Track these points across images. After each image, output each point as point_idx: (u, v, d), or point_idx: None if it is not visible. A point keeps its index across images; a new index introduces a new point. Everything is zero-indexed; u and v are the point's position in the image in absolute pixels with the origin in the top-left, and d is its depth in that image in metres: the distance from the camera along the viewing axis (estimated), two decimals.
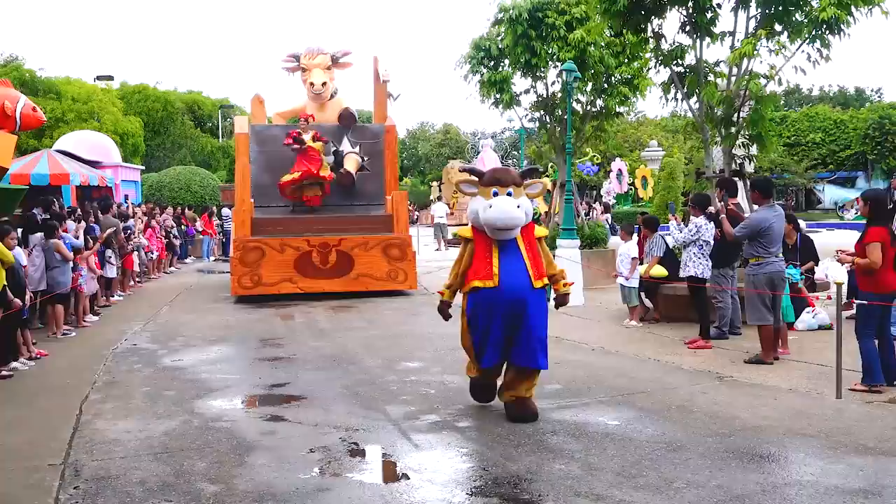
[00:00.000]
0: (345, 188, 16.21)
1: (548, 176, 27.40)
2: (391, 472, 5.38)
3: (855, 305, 7.45)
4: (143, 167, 32.32)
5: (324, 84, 17.18)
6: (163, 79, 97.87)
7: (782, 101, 57.23)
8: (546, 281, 6.55)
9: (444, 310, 6.85)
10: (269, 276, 14.63)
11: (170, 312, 13.57)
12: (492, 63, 19.41)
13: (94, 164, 23.60)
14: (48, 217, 12.37)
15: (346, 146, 16.47)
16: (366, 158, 16.51)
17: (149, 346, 10.49)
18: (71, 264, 11.24)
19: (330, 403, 7.26)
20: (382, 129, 17.31)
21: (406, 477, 5.26)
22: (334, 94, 17.76)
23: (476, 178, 6.65)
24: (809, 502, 4.67)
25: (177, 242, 22.62)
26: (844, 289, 7.66)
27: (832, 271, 11.27)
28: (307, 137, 15.75)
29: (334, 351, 9.80)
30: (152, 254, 19.45)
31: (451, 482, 5.15)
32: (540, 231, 6.76)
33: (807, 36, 12.16)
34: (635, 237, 12.13)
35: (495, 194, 6.43)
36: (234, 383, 8.22)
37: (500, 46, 19.01)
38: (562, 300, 6.82)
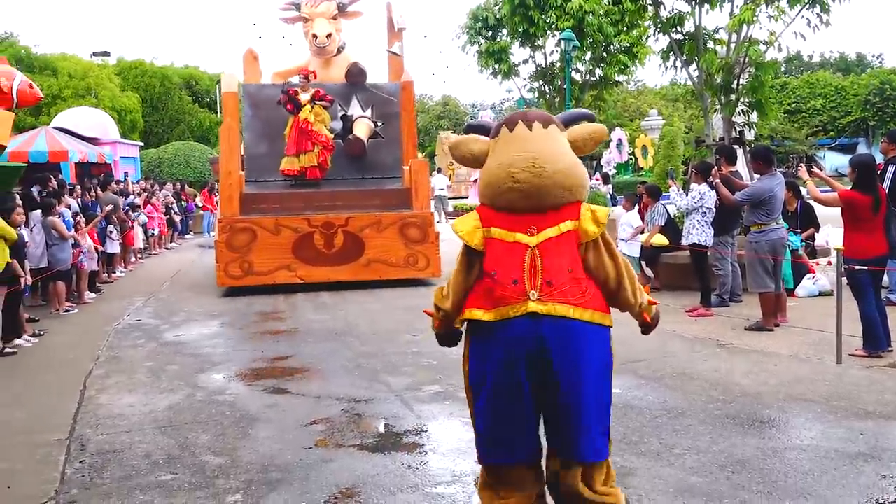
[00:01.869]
0: (355, 157, 13.74)
1: None
2: (394, 443, 5.42)
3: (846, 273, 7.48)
4: (142, 143, 32.26)
5: (328, 36, 14.44)
6: (160, 54, 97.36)
7: (782, 68, 57.02)
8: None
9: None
10: (263, 264, 12.36)
11: (171, 288, 13.60)
12: (490, 33, 19.38)
13: (92, 141, 23.58)
14: (45, 194, 12.39)
15: (355, 109, 14.12)
16: (379, 123, 14.15)
17: (151, 321, 10.52)
18: (71, 241, 11.25)
19: (332, 376, 7.29)
20: (398, 88, 14.36)
21: (410, 448, 5.30)
22: (341, 48, 15.05)
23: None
24: (809, 466, 4.71)
25: (177, 218, 22.63)
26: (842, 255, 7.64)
27: (832, 238, 11.28)
28: (305, 97, 13.18)
29: (336, 325, 9.83)
30: (154, 230, 19.48)
31: (454, 451, 5.18)
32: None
33: (806, 1, 12.10)
34: (636, 207, 12.13)
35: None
36: (236, 357, 8.26)
37: (497, 16, 18.94)
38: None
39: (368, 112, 14.09)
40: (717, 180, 9.29)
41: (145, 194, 19.92)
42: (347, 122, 13.95)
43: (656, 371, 7.04)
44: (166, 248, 20.90)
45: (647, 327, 3.80)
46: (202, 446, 5.41)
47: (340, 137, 13.76)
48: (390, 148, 14.15)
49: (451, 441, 5.41)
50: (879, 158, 9.97)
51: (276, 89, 13.85)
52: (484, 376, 3.49)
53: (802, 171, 8.43)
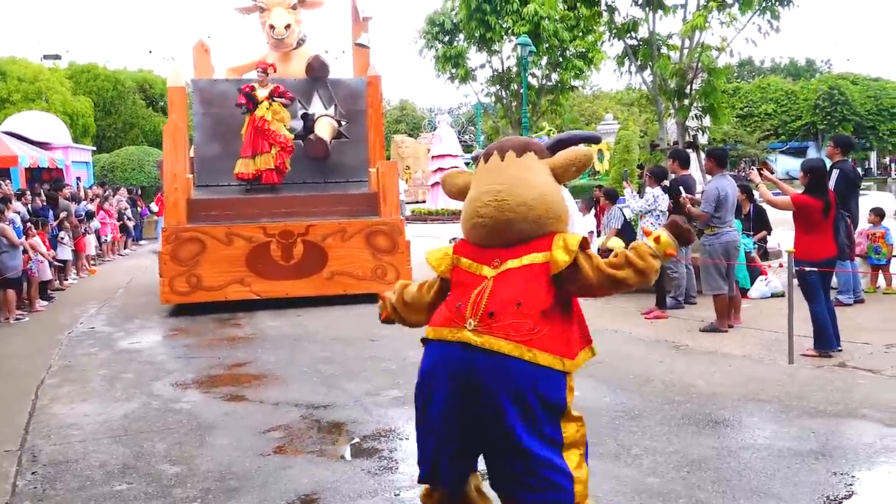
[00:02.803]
0: (316, 159, 12.57)
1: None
2: (354, 449, 5.40)
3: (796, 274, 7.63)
4: (94, 148, 31.79)
5: (287, 27, 13.15)
6: (112, 58, 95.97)
7: (735, 73, 57.98)
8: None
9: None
10: (213, 278, 11.09)
11: (125, 295, 13.41)
12: (447, 38, 19.42)
13: (43, 146, 23.19)
14: None
15: (317, 106, 12.94)
16: (343, 122, 13.00)
17: (105, 328, 10.36)
18: (20, 248, 11.05)
19: (290, 382, 7.25)
20: (364, 84, 13.10)
21: (369, 453, 5.28)
22: (302, 41, 13.83)
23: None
24: (763, 465, 4.79)
25: (130, 224, 22.32)
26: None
27: (784, 240, 11.49)
28: (263, 93, 11.96)
29: (294, 330, 9.78)
30: (106, 237, 19.20)
31: (413, 456, 5.17)
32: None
33: (757, 7, 12.34)
34: (592, 211, 12.24)
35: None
36: (192, 364, 8.16)
37: (454, 21, 18.98)
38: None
39: (331, 110, 13.00)
40: (689, 206, 9.18)
41: (98, 200, 19.62)
42: (308, 121, 12.80)
43: (614, 373, 7.11)
44: (120, 255, 20.61)
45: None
46: (158, 455, 5.34)
47: (301, 138, 12.62)
48: (356, 149, 13.02)
49: (410, 446, 5.40)
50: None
51: (231, 85, 12.71)
52: (419, 392, 3.43)
53: (753, 175, 8.58)
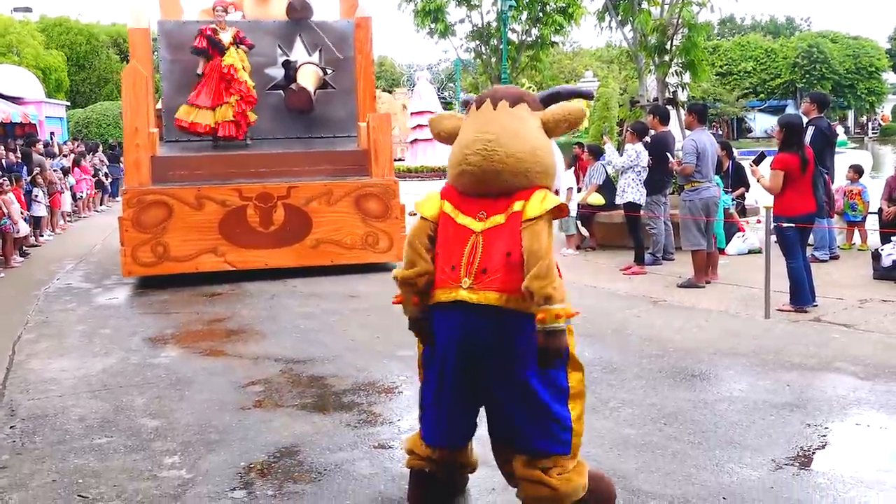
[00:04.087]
0: (299, 112, 11.32)
1: None
2: (334, 403, 5.42)
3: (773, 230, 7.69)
4: (69, 103, 31.30)
5: None
6: (85, 10, 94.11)
7: (715, 31, 57.82)
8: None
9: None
10: (181, 247, 9.90)
11: (102, 251, 13.30)
12: None
13: (15, 101, 22.82)
14: None
15: (299, 53, 11.52)
16: (329, 70, 11.63)
17: (82, 285, 10.29)
18: None
19: (270, 337, 7.25)
20: (351, 27, 11.61)
21: (349, 407, 5.30)
22: None
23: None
24: (738, 416, 4.86)
25: (107, 181, 22.08)
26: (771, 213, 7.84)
27: (762, 197, 11.56)
28: (227, 37, 10.73)
29: (274, 288, 9.74)
30: (83, 193, 19.00)
31: (393, 409, 5.22)
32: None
33: None
34: (573, 167, 12.22)
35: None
36: (171, 320, 8.14)
37: None
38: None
39: (315, 57, 11.57)
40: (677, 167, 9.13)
41: (72, 156, 19.37)
42: (290, 69, 11.41)
43: (593, 328, 7.15)
44: (96, 211, 20.41)
45: (540, 342, 3.13)
46: (138, 409, 5.34)
47: (282, 88, 11.42)
48: (343, 100, 11.65)
49: (390, 399, 5.44)
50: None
51: (200, 27, 11.03)
52: (429, 359, 3.46)
53: (755, 170, 8.35)
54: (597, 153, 11.65)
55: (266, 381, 5.88)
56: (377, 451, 4.49)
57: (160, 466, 4.37)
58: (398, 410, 5.18)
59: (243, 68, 10.80)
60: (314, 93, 11.30)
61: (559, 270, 3.19)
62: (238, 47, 10.79)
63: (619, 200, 10.27)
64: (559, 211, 3.23)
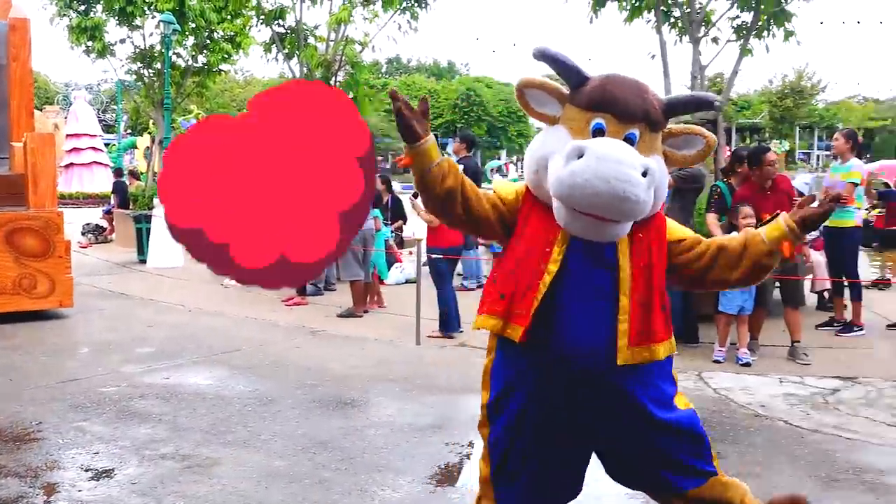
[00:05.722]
0: None
1: (149, 133, 26.19)
2: None
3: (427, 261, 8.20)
4: None
5: None
6: None
7: (384, 69, 60.47)
8: (669, 345, 2.84)
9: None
10: None
11: None
12: (83, 7, 18.02)
13: None
14: None
15: None
16: None
17: None
18: None
19: None
20: (4, 28, 9.80)
21: None
22: None
23: (559, 89, 2.90)
24: (384, 441, 5.05)
25: None
26: (424, 245, 8.31)
27: (418, 229, 12.24)
28: None
29: None
30: None
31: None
32: (679, 230, 2.95)
33: (398, 7, 12.98)
34: None
35: (597, 131, 2.76)
36: None
37: None
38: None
39: None
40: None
41: None
42: None
43: (251, 360, 7.09)
44: None
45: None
46: None
47: None
48: None
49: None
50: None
51: None
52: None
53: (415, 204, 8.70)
54: None
55: None
56: None
57: None
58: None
59: None
60: None
61: None
62: None
63: None
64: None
